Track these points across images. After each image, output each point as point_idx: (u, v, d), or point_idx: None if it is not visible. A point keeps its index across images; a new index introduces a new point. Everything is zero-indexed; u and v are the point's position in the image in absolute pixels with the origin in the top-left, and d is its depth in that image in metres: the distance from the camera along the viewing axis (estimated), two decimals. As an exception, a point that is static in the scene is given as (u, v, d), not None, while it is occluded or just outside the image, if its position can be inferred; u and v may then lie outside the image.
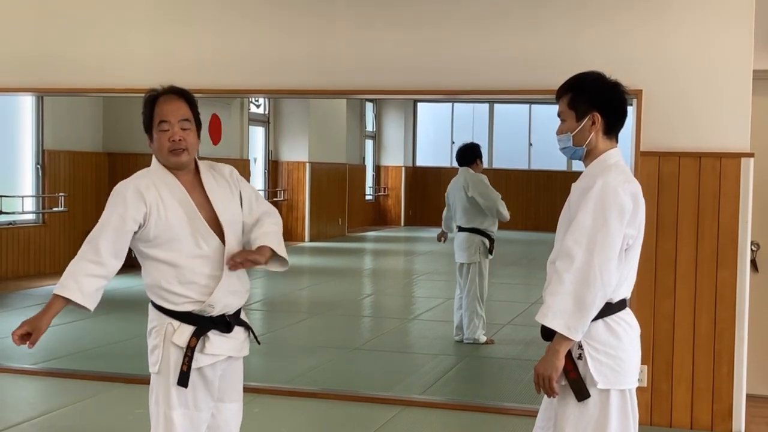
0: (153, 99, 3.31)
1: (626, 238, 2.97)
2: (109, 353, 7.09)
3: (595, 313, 2.93)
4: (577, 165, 3.18)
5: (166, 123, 3.26)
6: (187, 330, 3.26)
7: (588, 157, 3.11)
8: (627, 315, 3.08)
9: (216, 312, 3.28)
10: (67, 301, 3.16)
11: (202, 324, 3.27)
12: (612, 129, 3.11)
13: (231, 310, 3.34)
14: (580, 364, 2.98)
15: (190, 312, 3.27)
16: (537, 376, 2.99)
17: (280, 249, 3.35)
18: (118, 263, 3.28)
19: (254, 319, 8.61)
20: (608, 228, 2.91)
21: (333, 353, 7.34)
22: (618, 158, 3.10)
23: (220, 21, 5.99)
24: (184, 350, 3.24)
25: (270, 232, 3.35)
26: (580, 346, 2.98)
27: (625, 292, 3.06)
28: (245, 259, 3.25)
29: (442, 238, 8.01)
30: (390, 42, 5.68)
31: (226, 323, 3.31)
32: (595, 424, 2.99)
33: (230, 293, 3.30)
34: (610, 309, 3.00)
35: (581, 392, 2.97)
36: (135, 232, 3.26)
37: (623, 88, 3.12)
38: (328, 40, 5.79)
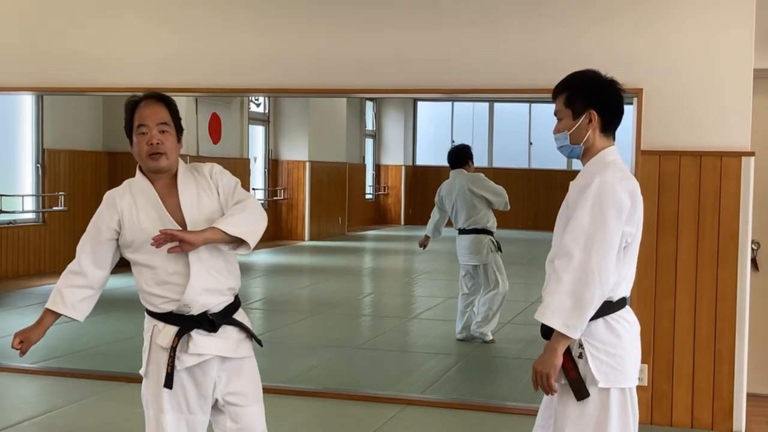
0: (133, 104, 3.35)
1: (624, 236, 2.97)
2: (109, 352, 7.08)
3: (593, 311, 2.93)
4: (577, 164, 3.19)
5: (144, 126, 3.29)
6: (170, 331, 3.27)
7: (585, 155, 3.11)
8: (627, 313, 3.08)
9: (195, 311, 3.28)
10: (56, 314, 3.34)
11: (185, 324, 3.27)
12: (609, 127, 3.11)
13: (213, 309, 3.32)
14: (580, 363, 2.98)
15: (171, 312, 3.28)
16: (535, 373, 2.99)
17: (234, 229, 3.21)
18: (102, 272, 3.38)
19: (254, 318, 8.60)
20: (606, 226, 2.91)
21: (333, 352, 7.34)
22: (615, 156, 3.10)
23: (220, 20, 5.98)
24: (168, 351, 3.25)
25: (228, 215, 3.26)
26: (581, 345, 2.98)
27: (624, 290, 3.06)
28: (165, 233, 3.14)
29: (425, 245, 7.94)
30: (390, 41, 5.67)
31: (210, 322, 3.30)
32: (596, 423, 2.99)
33: (205, 291, 3.28)
34: (610, 308, 3.00)
35: (581, 391, 2.97)
36: (117, 240, 3.35)
37: (619, 86, 3.12)
38: (329, 39, 5.78)
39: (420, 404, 5.71)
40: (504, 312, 8.75)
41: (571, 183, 3.12)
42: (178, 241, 3.15)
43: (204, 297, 3.27)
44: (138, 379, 5.61)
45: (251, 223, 3.29)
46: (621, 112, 3.15)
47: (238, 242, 3.26)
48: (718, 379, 5.25)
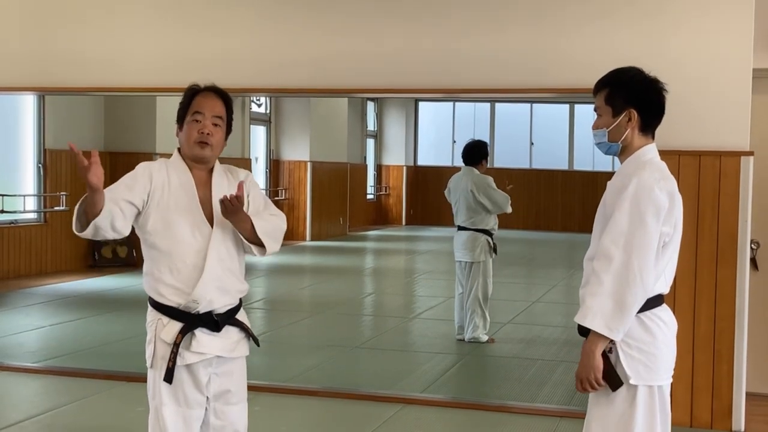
0: (194, 92, 3.42)
1: (662, 236, 2.96)
2: (110, 352, 7.09)
3: (635, 312, 2.93)
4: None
5: (200, 114, 3.36)
6: (174, 326, 3.29)
7: (623, 153, 3.09)
8: (663, 312, 3.07)
9: (202, 308, 3.30)
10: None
11: (190, 321, 3.30)
12: (649, 126, 3.10)
13: (219, 308, 3.35)
14: (611, 357, 2.98)
15: (177, 308, 3.29)
16: (580, 381, 2.98)
17: (262, 233, 3.33)
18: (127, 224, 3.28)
19: (255, 318, 8.62)
20: (645, 227, 2.90)
21: (334, 352, 7.35)
22: (653, 155, 3.08)
23: (221, 20, 6.00)
24: (171, 346, 3.27)
25: (264, 218, 3.39)
26: (612, 341, 2.97)
27: (660, 287, 3.05)
28: (233, 197, 3.21)
29: None
30: (391, 41, 5.68)
31: (213, 322, 3.33)
32: (620, 418, 2.99)
33: (216, 289, 3.31)
34: (645, 305, 2.98)
35: (615, 382, 2.97)
36: (138, 214, 3.31)
37: (662, 85, 3.10)
38: (330, 39, 5.79)
39: (420, 403, 5.72)
40: (504, 312, 8.77)
41: (609, 183, 3.10)
42: (231, 204, 3.20)
43: (213, 294, 3.31)
44: (139, 379, 5.63)
45: (276, 237, 3.42)
46: (662, 112, 3.13)
47: (255, 243, 3.35)
48: (717, 378, 5.26)
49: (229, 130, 3.46)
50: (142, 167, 3.38)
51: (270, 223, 3.40)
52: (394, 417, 5.46)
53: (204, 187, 3.39)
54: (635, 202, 2.92)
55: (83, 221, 3.19)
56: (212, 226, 3.34)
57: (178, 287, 3.29)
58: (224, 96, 3.44)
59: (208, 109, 3.37)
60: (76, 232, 3.23)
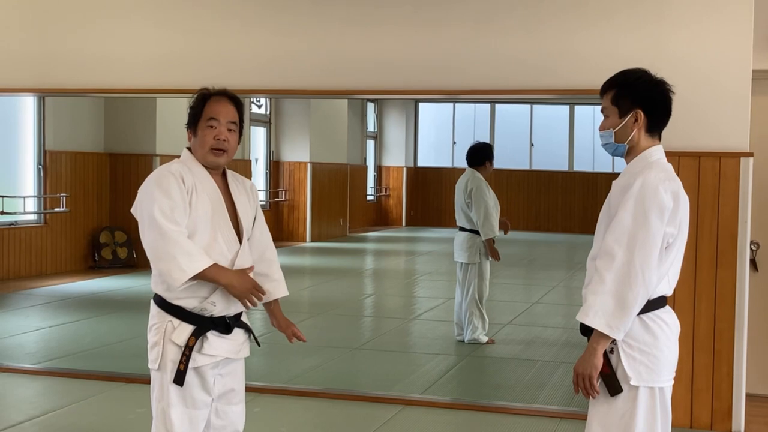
0: (206, 97, 3.42)
1: (666, 237, 2.96)
2: (110, 353, 7.10)
3: (636, 311, 2.94)
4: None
5: (215, 121, 3.36)
6: (186, 329, 3.29)
7: (629, 154, 3.11)
8: (665, 313, 3.07)
9: (216, 312, 3.31)
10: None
11: (202, 324, 3.31)
12: (655, 127, 3.11)
13: (231, 312, 3.38)
14: (612, 358, 2.99)
15: (190, 311, 3.30)
16: (576, 376, 2.99)
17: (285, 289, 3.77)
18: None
19: (256, 319, 8.62)
20: (649, 227, 2.91)
21: (334, 353, 7.35)
22: (659, 156, 3.09)
23: (221, 21, 6.00)
24: (183, 349, 3.28)
25: (280, 278, 3.71)
26: (613, 341, 2.97)
27: (664, 289, 3.06)
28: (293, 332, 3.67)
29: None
30: (392, 42, 5.69)
31: (225, 325, 3.36)
32: (621, 419, 3.00)
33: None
34: (647, 306, 2.99)
35: (614, 387, 2.98)
36: None
37: (668, 86, 3.10)
38: (330, 40, 5.80)
39: (420, 404, 5.72)
40: (504, 313, 8.76)
41: (614, 182, 3.11)
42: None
43: (230, 299, 3.33)
44: (139, 380, 5.63)
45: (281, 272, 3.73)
46: (668, 113, 3.14)
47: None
48: (717, 379, 5.26)
49: (240, 134, 3.47)
50: (166, 176, 3.29)
51: (278, 266, 3.66)
52: (394, 418, 5.46)
53: (223, 193, 3.42)
54: (640, 201, 2.93)
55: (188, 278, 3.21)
56: (238, 237, 3.39)
57: (197, 291, 3.29)
58: (237, 101, 3.44)
59: (223, 115, 3.36)
60: (180, 282, 3.22)
